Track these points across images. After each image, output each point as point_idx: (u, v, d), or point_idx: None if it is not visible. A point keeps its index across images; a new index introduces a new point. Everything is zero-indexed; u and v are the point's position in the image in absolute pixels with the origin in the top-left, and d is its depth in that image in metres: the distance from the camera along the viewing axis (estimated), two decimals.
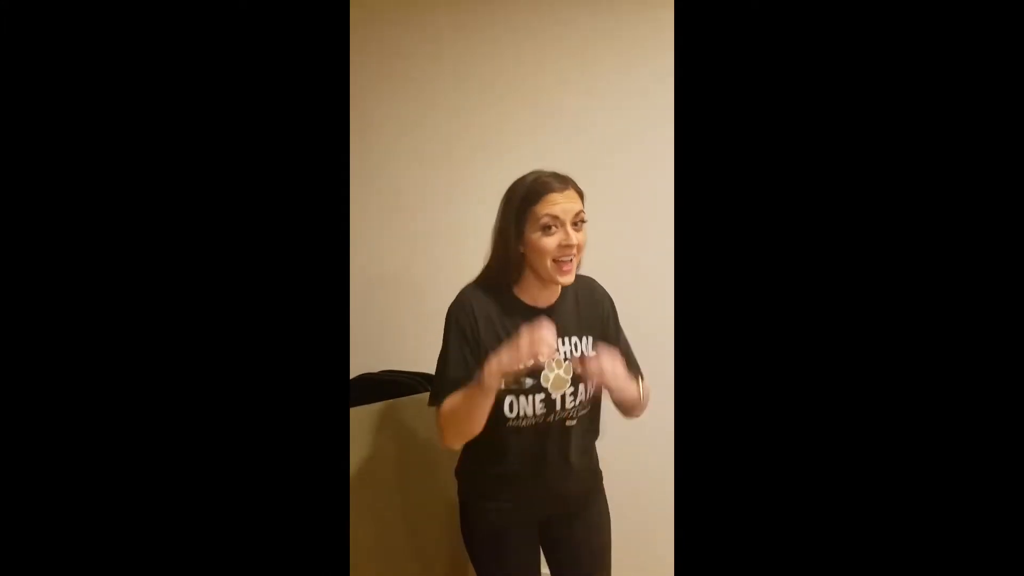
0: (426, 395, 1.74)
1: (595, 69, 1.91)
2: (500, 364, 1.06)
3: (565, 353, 1.20)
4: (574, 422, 1.23)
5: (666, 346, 1.54)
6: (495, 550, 1.25)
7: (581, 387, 1.20)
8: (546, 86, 1.93)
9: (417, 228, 2.02)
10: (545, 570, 1.34)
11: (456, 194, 1.94)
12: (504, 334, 1.16)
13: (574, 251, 1.12)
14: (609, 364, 1.12)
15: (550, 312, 1.20)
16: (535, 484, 1.24)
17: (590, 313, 1.26)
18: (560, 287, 1.20)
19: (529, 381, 1.15)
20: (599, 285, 1.31)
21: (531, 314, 1.17)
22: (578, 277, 1.20)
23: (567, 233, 1.11)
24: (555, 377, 1.17)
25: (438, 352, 1.22)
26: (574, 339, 1.23)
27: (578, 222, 1.13)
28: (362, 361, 1.89)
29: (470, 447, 1.25)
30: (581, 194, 1.17)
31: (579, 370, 1.16)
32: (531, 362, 1.05)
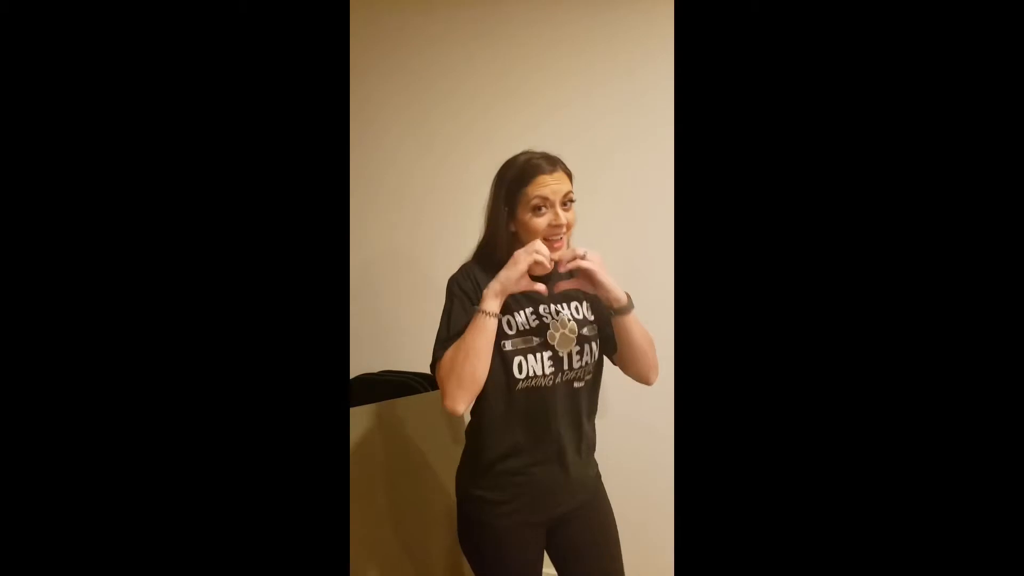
0: (425, 395, 1.75)
1: (595, 68, 1.91)
2: (496, 284, 1.12)
3: (568, 316, 1.23)
4: (581, 384, 1.24)
5: (666, 346, 1.54)
6: (499, 552, 1.24)
7: (587, 347, 1.23)
8: (547, 84, 1.93)
9: (416, 228, 2.02)
10: (549, 569, 1.33)
11: (455, 195, 1.95)
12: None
13: (563, 230, 1.17)
14: (601, 264, 1.15)
15: (545, 280, 1.22)
16: (544, 475, 1.22)
17: None
18: (552, 263, 1.22)
19: (535, 340, 1.19)
20: None
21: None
22: None
23: (556, 213, 1.15)
24: (561, 336, 1.21)
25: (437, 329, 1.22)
26: (574, 303, 1.26)
27: (567, 202, 1.18)
28: (361, 361, 1.90)
29: (476, 430, 1.24)
30: (570, 175, 1.21)
31: (574, 266, 1.16)
32: (526, 270, 1.11)
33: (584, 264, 1.13)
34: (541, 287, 1.17)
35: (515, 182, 1.17)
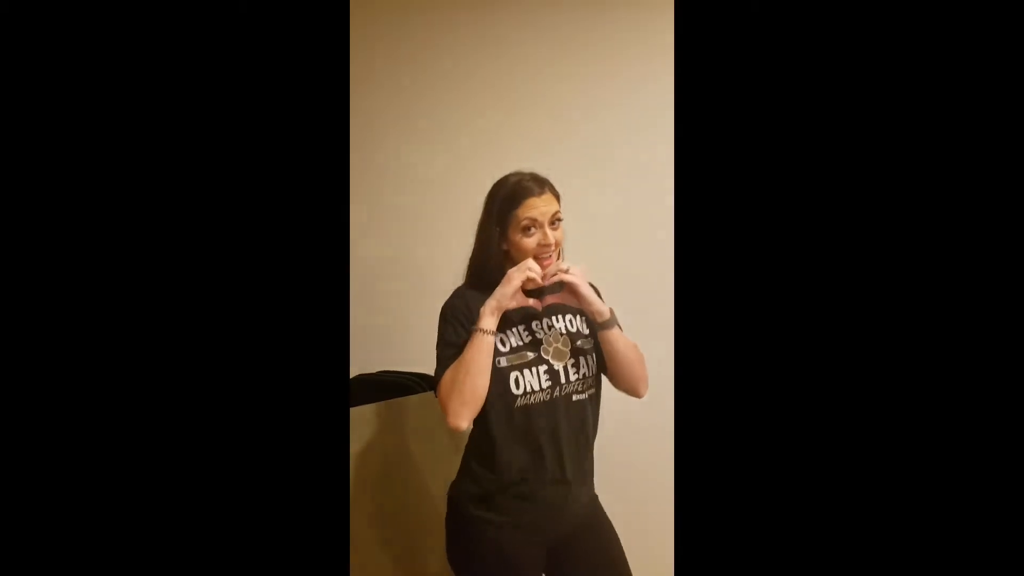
0: (424, 395, 1.75)
1: (595, 73, 1.91)
2: (492, 302, 1.16)
3: (561, 329, 1.26)
4: (583, 396, 1.24)
5: (666, 347, 1.55)
6: (496, 574, 1.22)
7: (582, 359, 1.25)
8: (547, 89, 1.93)
9: (414, 229, 2.02)
10: None
11: (454, 197, 1.94)
12: None
13: (552, 248, 1.22)
14: (583, 278, 1.20)
15: (537, 295, 1.24)
16: (546, 495, 1.21)
17: None
18: (543, 279, 1.25)
19: (530, 355, 1.21)
20: None
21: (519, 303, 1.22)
22: None
23: (545, 233, 1.20)
24: (555, 350, 1.23)
25: (435, 354, 1.23)
26: (568, 316, 1.28)
27: (555, 221, 1.23)
28: (359, 361, 1.89)
29: (477, 450, 1.24)
30: (557, 195, 1.25)
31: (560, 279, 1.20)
32: (520, 286, 1.15)
33: (567, 277, 1.18)
34: (535, 302, 1.20)
35: (505, 203, 1.22)
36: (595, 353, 1.27)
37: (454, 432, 1.19)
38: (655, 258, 1.84)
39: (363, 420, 1.61)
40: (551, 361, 1.22)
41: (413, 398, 1.69)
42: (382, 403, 1.64)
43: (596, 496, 1.34)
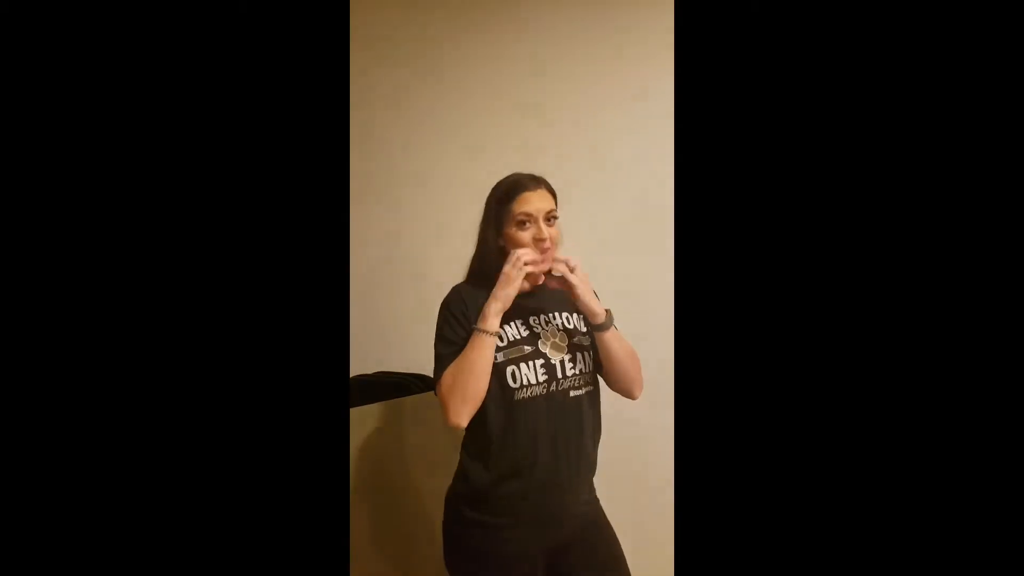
0: (421, 395, 1.75)
1: (596, 70, 1.91)
2: (497, 304, 1.17)
3: (559, 324, 1.27)
4: (579, 392, 1.24)
5: (666, 347, 1.55)
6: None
7: (579, 355, 1.25)
8: (549, 89, 1.94)
9: (413, 230, 2.02)
10: None
11: (454, 197, 1.95)
12: None
13: (547, 243, 1.23)
14: (583, 280, 1.22)
15: (535, 291, 1.26)
16: (544, 498, 1.21)
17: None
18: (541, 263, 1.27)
19: (527, 348, 1.21)
20: None
21: (516, 300, 1.23)
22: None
23: (540, 228, 1.22)
24: (552, 344, 1.24)
25: (432, 355, 1.23)
26: (564, 313, 1.29)
27: (550, 218, 1.25)
28: (357, 362, 1.89)
29: (473, 449, 1.23)
30: (553, 194, 1.28)
31: (553, 277, 1.23)
32: (523, 276, 1.18)
33: (568, 276, 1.20)
34: (534, 286, 1.21)
35: (501, 199, 1.25)
36: (592, 350, 1.27)
37: (454, 430, 1.19)
38: (655, 259, 1.84)
39: (361, 420, 1.61)
40: (548, 355, 1.22)
41: (411, 398, 1.69)
42: (380, 403, 1.64)
43: (597, 498, 1.34)
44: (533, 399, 1.20)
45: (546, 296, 1.27)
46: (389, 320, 1.97)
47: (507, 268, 1.19)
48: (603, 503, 1.35)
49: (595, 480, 1.34)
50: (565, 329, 1.27)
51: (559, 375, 1.22)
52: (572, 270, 1.20)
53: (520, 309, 1.23)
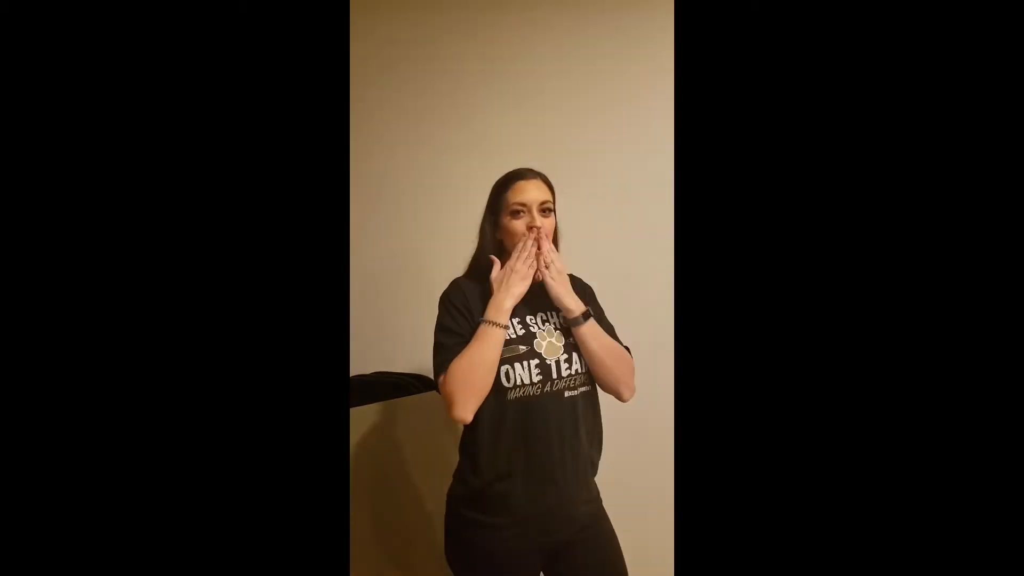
0: (419, 396, 1.75)
1: (596, 69, 1.91)
2: (508, 301, 1.19)
3: (556, 324, 1.27)
4: (574, 393, 1.24)
5: (666, 347, 1.55)
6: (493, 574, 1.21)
7: (575, 355, 1.24)
8: (548, 87, 1.94)
9: (412, 230, 2.02)
10: None
11: (453, 197, 1.95)
12: None
13: (541, 232, 1.24)
14: (559, 273, 1.24)
15: (533, 287, 1.25)
16: (539, 497, 1.21)
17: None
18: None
19: (522, 348, 1.21)
20: (577, 277, 1.37)
21: None
22: None
23: (533, 216, 1.24)
24: (548, 344, 1.24)
25: (431, 355, 1.22)
26: (561, 313, 1.28)
27: (545, 209, 1.26)
28: (355, 362, 1.89)
29: (470, 448, 1.23)
30: (550, 186, 1.29)
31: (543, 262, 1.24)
32: (533, 270, 1.20)
33: (543, 271, 1.22)
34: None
35: (498, 191, 1.28)
36: None
37: (456, 424, 1.18)
38: (655, 258, 1.84)
39: (359, 421, 1.61)
40: (543, 355, 1.22)
41: (410, 398, 1.69)
42: (378, 404, 1.64)
43: (598, 499, 1.33)
44: (526, 399, 1.19)
45: (544, 295, 1.26)
46: (389, 321, 1.97)
47: (516, 264, 1.20)
48: (603, 503, 1.35)
49: (595, 480, 1.34)
50: (562, 329, 1.26)
51: (554, 375, 1.21)
52: (548, 266, 1.22)
53: (517, 308, 1.23)
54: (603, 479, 1.35)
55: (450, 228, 1.88)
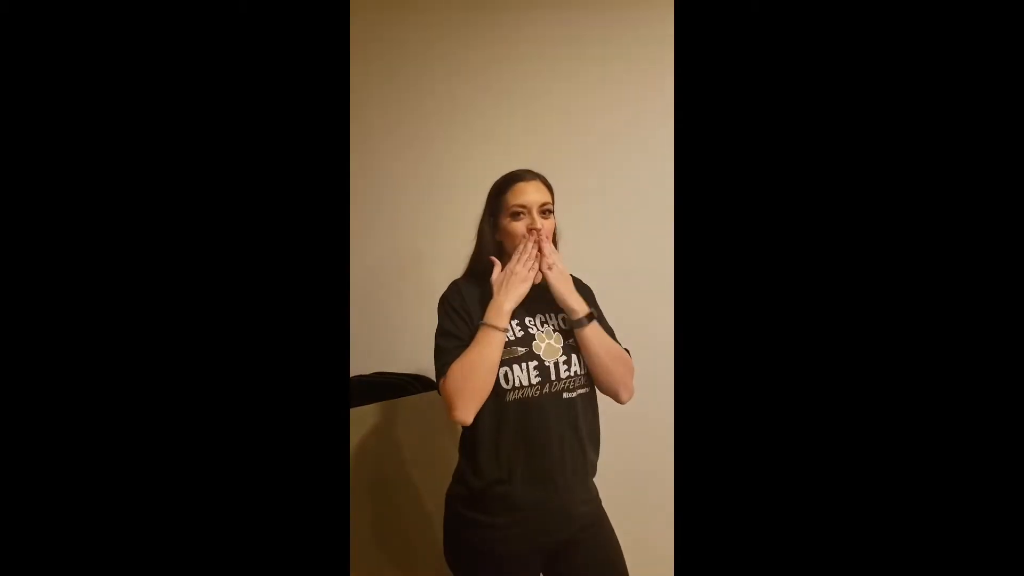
0: (419, 396, 1.75)
1: (595, 71, 1.91)
2: (508, 303, 1.18)
3: (554, 325, 1.27)
4: (572, 395, 1.23)
5: (666, 347, 1.55)
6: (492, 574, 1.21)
7: (574, 356, 1.24)
8: (547, 88, 1.94)
9: (411, 230, 2.02)
10: None
11: (453, 198, 1.95)
12: None
13: (541, 234, 1.24)
14: (562, 274, 1.23)
15: (532, 289, 1.25)
16: (538, 498, 1.20)
17: None
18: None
19: (521, 350, 1.21)
20: (577, 279, 1.36)
21: None
22: None
23: (533, 218, 1.24)
24: (546, 346, 1.24)
25: (431, 355, 1.23)
26: (560, 314, 1.28)
27: (544, 210, 1.26)
28: (354, 363, 1.89)
29: (469, 449, 1.24)
30: (550, 188, 1.29)
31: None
32: (533, 272, 1.20)
33: (546, 272, 1.21)
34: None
35: (497, 192, 1.27)
36: None
37: (456, 426, 1.19)
38: (655, 258, 1.84)
39: (359, 421, 1.61)
40: (542, 357, 1.22)
41: (409, 399, 1.69)
42: (378, 404, 1.64)
43: (598, 500, 1.33)
44: (524, 400, 1.19)
45: (542, 297, 1.26)
46: (389, 321, 1.97)
47: (517, 267, 1.20)
48: (603, 503, 1.35)
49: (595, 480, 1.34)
50: (561, 330, 1.26)
51: (552, 377, 1.21)
52: (551, 267, 1.22)
53: (516, 309, 1.23)
54: (603, 479, 1.35)
55: (450, 229, 1.88)
